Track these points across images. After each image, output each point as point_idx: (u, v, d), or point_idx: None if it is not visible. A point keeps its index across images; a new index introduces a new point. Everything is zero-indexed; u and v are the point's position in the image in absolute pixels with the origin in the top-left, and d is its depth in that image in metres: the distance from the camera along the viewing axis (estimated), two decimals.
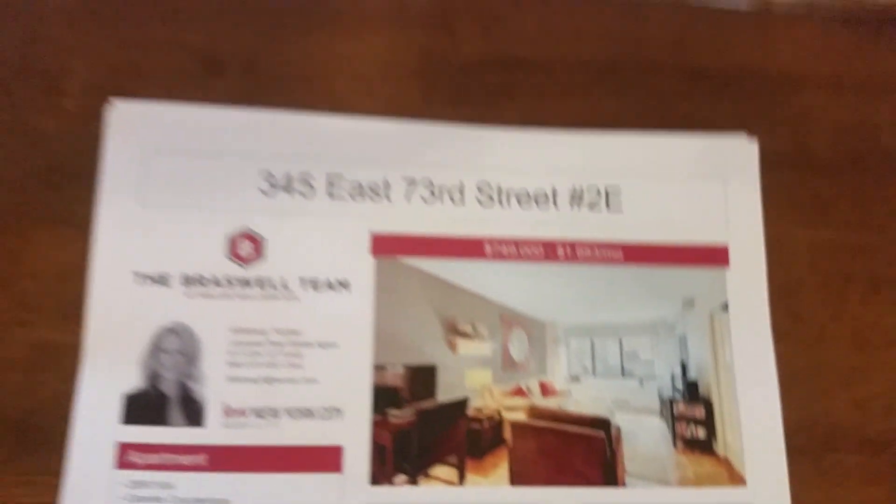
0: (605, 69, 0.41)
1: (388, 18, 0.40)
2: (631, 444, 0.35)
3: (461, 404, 0.35)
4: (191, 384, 0.33)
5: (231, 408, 0.34)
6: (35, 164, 0.36)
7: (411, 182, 0.37)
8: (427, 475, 0.34)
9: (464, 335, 0.36)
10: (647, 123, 0.40)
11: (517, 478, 0.34)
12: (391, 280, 0.36)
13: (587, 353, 0.37)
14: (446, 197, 0.37)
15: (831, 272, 0.39)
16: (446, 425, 0.35)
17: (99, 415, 0.33)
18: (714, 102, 0.41)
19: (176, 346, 0.34)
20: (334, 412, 0.34)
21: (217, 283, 0.35)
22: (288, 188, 0.36)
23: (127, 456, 0.33)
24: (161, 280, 0.34)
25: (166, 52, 0.38)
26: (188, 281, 0.35)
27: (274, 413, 0.34)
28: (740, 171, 0.39)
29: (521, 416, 0.35)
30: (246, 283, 0.35)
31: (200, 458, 0.33)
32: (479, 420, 0.35)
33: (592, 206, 0.38)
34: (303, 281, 0.35)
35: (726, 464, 0.36)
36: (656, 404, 0.36)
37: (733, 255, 0.38)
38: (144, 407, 0.33)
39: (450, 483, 0.34)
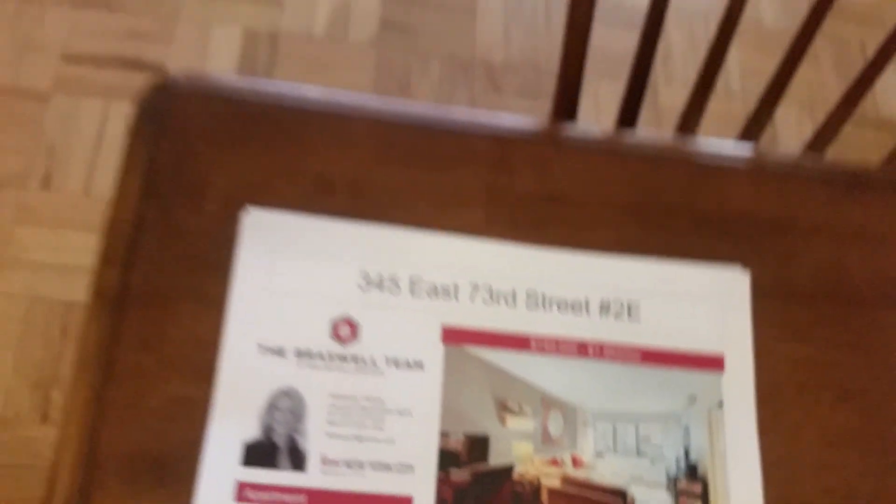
0: (629, 208, 0.51)
1: (463, 159, 0.50)
2: None
3: (508, 469, 0.44)
4: (297, 437, 0.42)
5: (328, 458, 0.42)
6: (182, 254, 0.45)
7: (475, 287, 0.47)
8: None
9: (512, 412, 0.45)
10: (661, 253, 0.50)
11: None
12: (456, 364, 0.45)
13: (610, 434, 0.45)
14: (502, 300, 0.47)
15: (807, 381, 0.48)
16: (496, 486, 0.43)
17: (223, 457, 0.41)
18: (715, 240, 0.51)
19: (287, 406, 0.42)
20: (407, 468, 0.42)
21: (321, 357, 0.44)
22: (379, 286, 0.46)
23: (244, 492, 0.41)
24: (278, 352, 0.43)
25: (290, 172, 0.48)
26: (299, 354, 0.43)
27: (360, 465, 0.42)
28: (735, 296, 0.49)
29: (556, 483, 0.44)
30: (343, 358, 0.44)
31: (301, 498, 0.41)
32: (521, 483, 0.44)
33: (617, 315, 0.47)
34: (387, 360, 0.44)
35: None
36: (664, 480, 0.45)
37: (728, 363, 0.47)
38: (259, 453, 0.41)
39: None
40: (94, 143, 1.29)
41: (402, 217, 0.48)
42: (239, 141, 0.48)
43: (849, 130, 1.44)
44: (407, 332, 0.45)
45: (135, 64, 1.35)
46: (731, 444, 0.45)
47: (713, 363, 0.47)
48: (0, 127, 1.28)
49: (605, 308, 0.47)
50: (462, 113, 0.52)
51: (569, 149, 0.52)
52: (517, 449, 0.44)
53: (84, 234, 1.22)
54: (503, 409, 0.45)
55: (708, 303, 0.48)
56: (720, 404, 0.46)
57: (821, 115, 1.45)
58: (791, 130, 1.47)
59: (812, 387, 0.48)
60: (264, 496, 0.41)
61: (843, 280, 0.51)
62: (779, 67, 0.68)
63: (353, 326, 0.45)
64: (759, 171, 0.54)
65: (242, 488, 0.41)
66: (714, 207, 0.52)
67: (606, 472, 0.45)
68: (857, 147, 1.47)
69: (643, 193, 0.51)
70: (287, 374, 0.43)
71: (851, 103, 0.68)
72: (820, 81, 1.54)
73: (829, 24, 1.46)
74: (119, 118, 1.31)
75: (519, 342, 0.46)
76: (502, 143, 0.51)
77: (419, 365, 0.44)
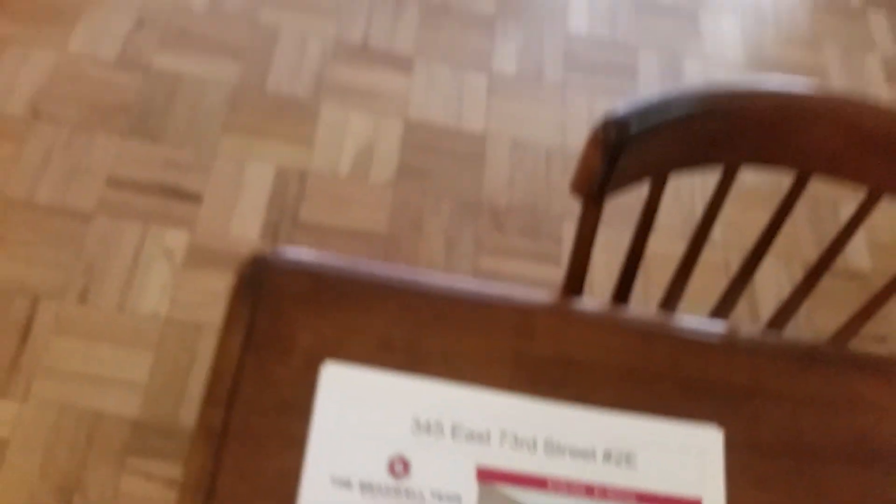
0: (626, 373, 0.63)
1: (495, 326, 0.62)
2: None
3: None
4: None
5: None
6: (273, 399, 0.56)
7: (503, 434, 0.58)
8: None
9: None
10: (652, 411, 0.61)
11: None
12: (488, 499, 0.55)
13: None
14: (525, 446, 0.58)
15: None
16: None
17: None
18: (695, 402, 0.62)
19: None
20: None
21: (380, 489, 0.54)
22: (428, 430, 0.57)
23: None
24: (346, 484, 0.54)
25: (359, 332, 0.59)
26: (363, 486, 0.54)
27: None
28: (711, 450, 0.60)
29: None
30: (398, 491, 0.54)
31: None
32: None
33: (618, 462, 0.58)
34: (432, 493, 0.55)
35: None
36: None
37: None
38: None
39: None
40: (131, 263, 1.41)
41: (446, 372, 0.59)
42: (319, 306, 0.60)
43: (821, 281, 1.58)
44: (448, 471, 0.55)
45: (174, 192, 1.49)
46: None
47: None
48: (45, 242, 1.40)
49: (607, 456, 0.58)
50: (495, 287, 0.64)
51: (576, 320, 0.64)
52: None
53: (116, 348, 1.32)
54: None
55: (689, 455, 0.60)
56: None
57: (796, 265, 1.60)
58: (769, 281, 1.62)
59: None
60: None
61: (800, 438, 0.63)
62: (745, 261, 0.81)
63: (405, 464, 0.55)
64: (731, 346, 0.66)
65: None
66: (694, 375, 0.64)
67: None
68: (827, 296, 1.61)
69: (637, 360, 0.63)
70: (353, 502, 0.53)
71: (825, 267, 0.80)
72: (795, 233, 1.70)
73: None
74: (155, 242, 1.43)
75: (538, 483, 0.57)
76: (525, 314, 0.63)
77: (458, 499, 0.55)
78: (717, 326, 0.67)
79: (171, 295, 1.38)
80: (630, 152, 0.60)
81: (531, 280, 1.51)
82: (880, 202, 1.62)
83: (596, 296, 1.53)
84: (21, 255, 1.38)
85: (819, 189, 1.76)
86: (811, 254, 1.66)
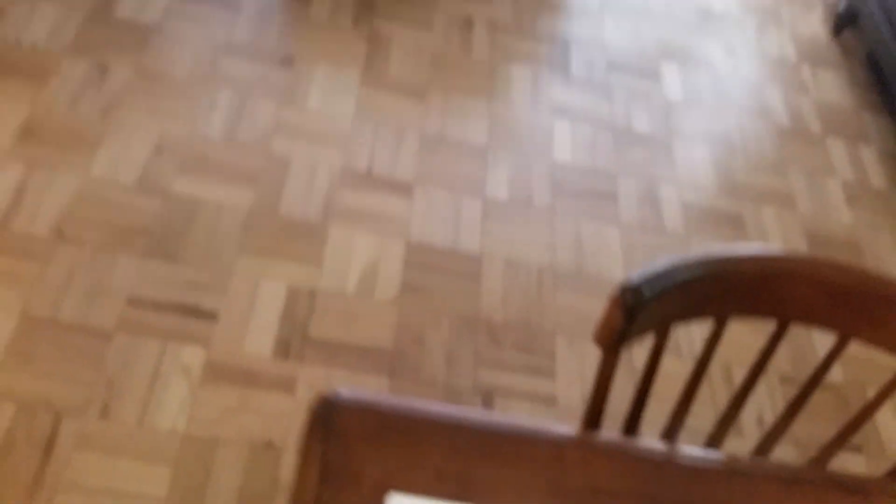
0: (643, 496, 0.72)
1: (529, 458, 0.72)
2: None
3: None
4: None
5: None
6: None
7: None
8: None
9: None
10: None
11: None
12: None
13: None
14: None
15: None
16: None
17: None
18: None
19: None
20: None
21: None
22: None
23: None
24: None
25: (417, 464, 0.69)
26: None
27: None
28: None
29: None
30: None
31: None
32: None
33: None
34: None
35: None
36: None
37: None
38: None
39: None
40: (150, 379, 1.48)
41: (490, 498, 0.68)
42: (382, 441, 0.69)
43: (788, 391, 1.70)
44: None
45: (191, 311, 1.58)
46: None
47: None
48: (67, 359, 1.48)
49: None
50: (528, 421, 0.74)
51: (600, 453, 0.74)
52: None
53: (136, 463, 1.38)
54: None
55: None
56: None
57: (774, 378, 1.71)
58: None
59: None
60: None
61: None
62: (733, 397, 0.91)
63: None
64: (730, 471, 0.76)
65: None
66: (700, 498, 0.73)
67: None
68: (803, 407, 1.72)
69: (651, 486, 0.73)
70: None
71: (804, 398, 0.91)
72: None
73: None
74: (173, 358, 1.51)
75: None
76: (556, 447, 0.73)
77: None
78: (716, 455, 0.77)
79: (189, 411, 1.45)
80: (643, 312, 0.71)
81: (527, 394, 1.60)
82: (857, 352, 1.77)
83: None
84: (45, 371, 1.45)
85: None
86: (787, 368, 1.78)
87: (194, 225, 1.70)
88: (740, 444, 1.63)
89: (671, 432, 0.89)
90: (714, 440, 0.91)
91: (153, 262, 1.63)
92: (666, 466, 0.75)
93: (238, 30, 2.10)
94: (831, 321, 0.78)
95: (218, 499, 1.37)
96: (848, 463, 1.65)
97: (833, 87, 2.53)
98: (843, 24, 2.67)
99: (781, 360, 1.80)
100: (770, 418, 1.69)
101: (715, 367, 1.75)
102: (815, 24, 2.76)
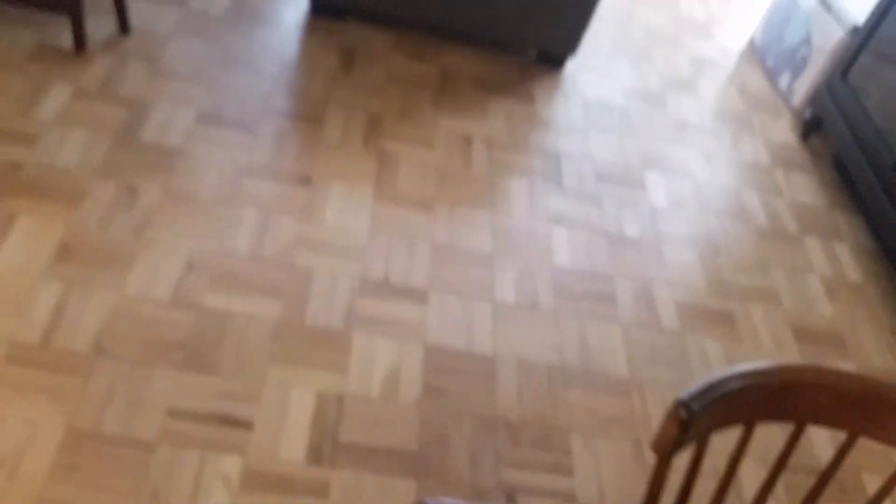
0: None
1: None
2: None
3: None
4: None
5: None
6: None
7: None
8: None
9: None
10: None
11: None
12: None
13: None
14: None
15: None
16: None
17: None
18: None
19: None
20: None
21: None
22: None
23: None
24: None
25: None
26: None
27: None
28: None
29: None
30: None
31: None
32: None
33: None
34: None
35: None
36: None
37: None
38: None
39: None
40: (192, 490, 1.55)
41: None
42: None
43: (787, 477, 1.81)
44: None
45: (227, 420, 1.66)
46: None
47: None
48: (110, 472, 1.55)
49: None
50: None
51: None
52: None
53: None
54: None
55: None
56: None
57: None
58: (753, 482, 1.83)
59: None
60: None
61: None
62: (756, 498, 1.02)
63: None
64: None
65: None
66: None
67: None
68: (800, 491, 1.82)
69: None
70: None
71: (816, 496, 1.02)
72: (771, 438, 1.93)
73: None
74: (213, 468, 1.59)
75: None
76: None
77: None
78: None
79: None
80: (693, 424, 0.83)
81: (548, 491, 1.69)
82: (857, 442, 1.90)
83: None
84: (90, 482, 1.52)
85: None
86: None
87: (226, 337, 1.80)
88: None
89: None
90: None
91: (189, 374, 1.72)
92: None
93: (257, 151, 2.26)
94: (841, 422, 0.89)
95: None
96: None
97: (806, 189, 2.73)
98: (810, 129, 2.90)
99: (776, 448, 1.91)
100: None
101: (721, 462, 1.86)
102: (785, 131, 3.00)
